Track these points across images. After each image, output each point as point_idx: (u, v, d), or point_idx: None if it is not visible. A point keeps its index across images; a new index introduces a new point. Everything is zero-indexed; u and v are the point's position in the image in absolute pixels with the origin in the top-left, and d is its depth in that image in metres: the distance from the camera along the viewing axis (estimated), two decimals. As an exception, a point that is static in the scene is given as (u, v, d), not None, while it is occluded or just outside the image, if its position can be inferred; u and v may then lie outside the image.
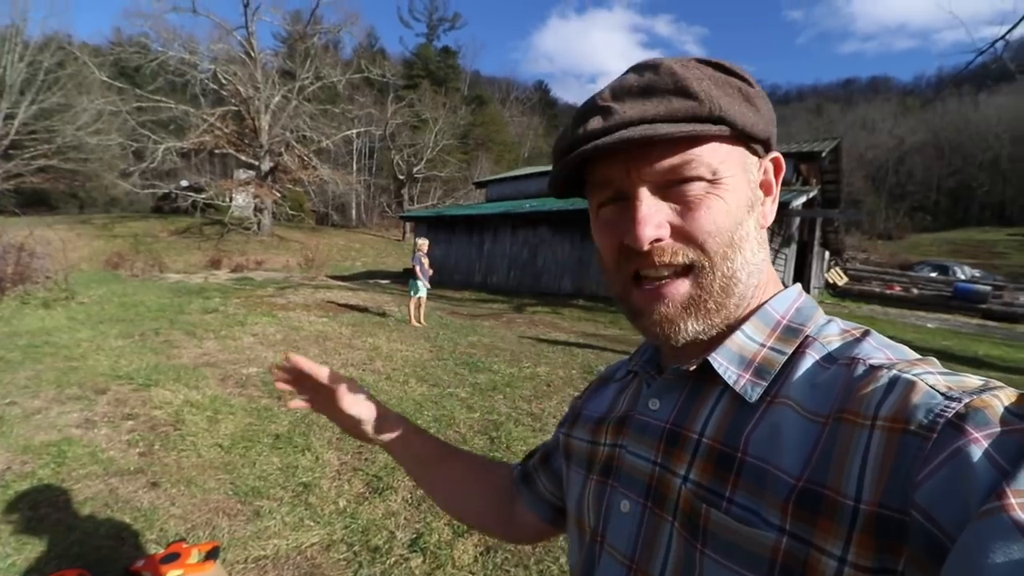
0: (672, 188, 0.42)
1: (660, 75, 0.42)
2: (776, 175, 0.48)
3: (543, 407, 4.12)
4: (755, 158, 0.46)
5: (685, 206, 0.42)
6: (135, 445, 3.04)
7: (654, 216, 0.42)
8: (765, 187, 0.48)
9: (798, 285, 0.51)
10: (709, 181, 0.42)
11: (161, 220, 26.32)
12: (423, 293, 7.59)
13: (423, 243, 8.05)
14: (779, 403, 0.41)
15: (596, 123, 0.42)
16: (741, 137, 0.43)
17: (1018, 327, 12.14)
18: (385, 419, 0.69)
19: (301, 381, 0.68)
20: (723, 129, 0.41)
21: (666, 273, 0.43)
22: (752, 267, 0.45)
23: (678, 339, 0.44)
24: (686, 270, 0.43)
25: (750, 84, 0.44)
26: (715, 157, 0.42)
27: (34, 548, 2.06)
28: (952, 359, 6.93)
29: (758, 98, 0.44)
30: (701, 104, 0.40)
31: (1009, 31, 8.51)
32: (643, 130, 0.39)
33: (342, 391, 0.66)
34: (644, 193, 0.42)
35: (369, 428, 0.68)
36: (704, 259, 0.42)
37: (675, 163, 0.41)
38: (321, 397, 0.68)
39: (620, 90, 0.43)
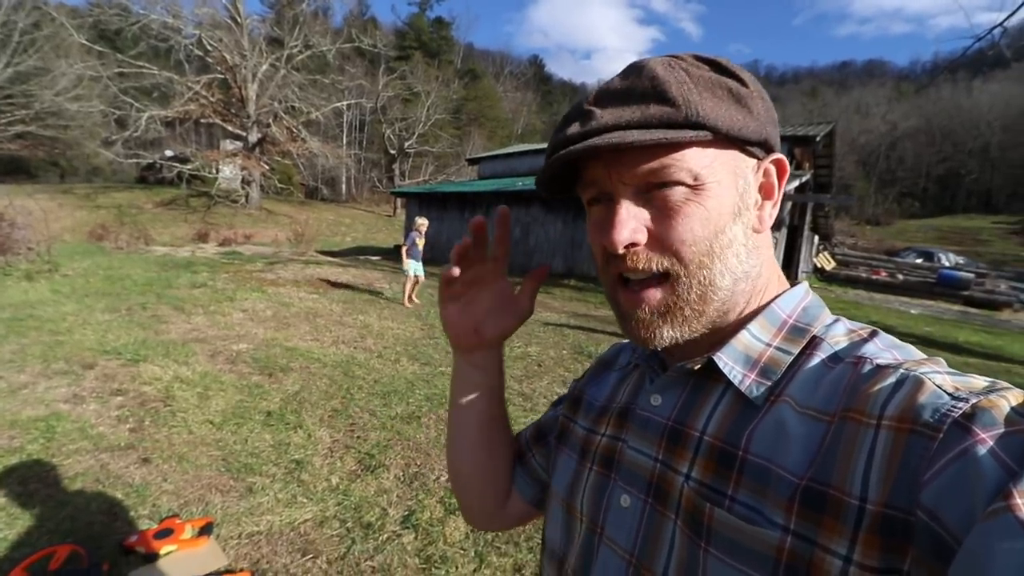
0: (653, 192, 0.42)
1: (641, 79, 0.42)
2: (779, 178, 0.47)
3: (534, 387, 4.17)
4: (751, 160, 0.45)
5: (663, 212, 0.42)
6: (125, 421, 3.03)
7: (630, 221, 0.42)
8: (766, 190, 0.47)
9: (805, 284, 0.51)
10: (690, 186, 0.41)
11: (146, 191, 25.70)
12: (419, 272, 7.43)
13: (422, 223, 7.58)
14: (783, 402, 0.41)
15: (575, 128, 0.42)
16: (730, 140, 0.42)
17: (998, 314, 12.42)
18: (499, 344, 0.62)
19: (480, 246, 0.57)
20: (703, 134, 0.40)
21: (644, 277, 0.44)
22: (739, 273, 0.44)
23: (654, 344, 0.45)
24: (663, 277, 0.43)
25: (743, 84, 0.43)
26: (698, 162, 0.41)
27: (25, 523, 2.06)
28: (933, 345, 7.09)
29: (752, 99, 0.43)
30: (678, 109, 0.40)
31: (1008, 17, 8.47)
32: (611, 137, 0.40)
33: (502, 282, 0.60)
34: (622, 197, 0.43)
35: (490, 335, 0.60)
36: (679, 268, 0.42)
37: (653, 168, 0.41)
38: (478, 276, 0.59)
39: (603, 94, 0.43)
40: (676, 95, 0.40)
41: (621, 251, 0.43)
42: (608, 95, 0.43)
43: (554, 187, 0.48)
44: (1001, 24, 8.56)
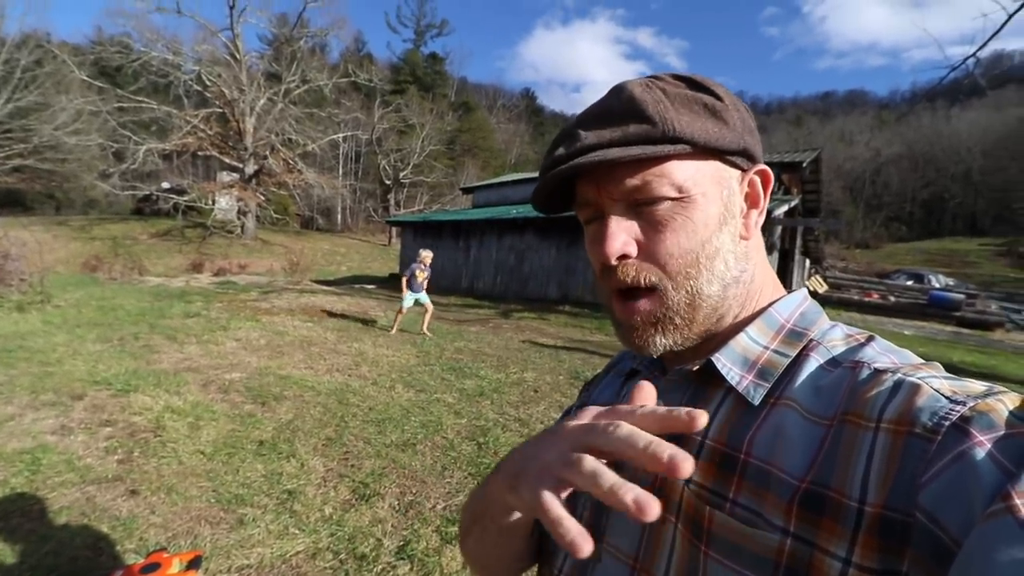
0: (641, 207, 0.44)
1: (620, 100, 0.44)
2: (764, 187, 0.49)
3: (530, 412, 4.12)
4: (734, 171, 0.47)
5: (651, 225, 0.44)
6: (113, 452, 2.96)
7: (620, 234, 0.44)
8: (751, 199, 0.49)
9: (803, 290, 0.52)
10: (675, 199, 0.43)
11: (141, 222, 25.76)
12: (408, 305, 7.31)
13: (426, 255, 7.46)
14: (782, 405, 0.41)
15: (562, 150, 0.45)
16: (710, 152, 0.44)
17: (990, 334, 12.50)
18: None
19: None
20: (682, 148, 0.42)
21: (634, 288, 0.46)
22: (728, 279, 0.46)
23: (649, 351, 0.47)
24: (652, 289, 0.45)
25: (718, 98, 0.45)
26: (681, 174, 0.43)
27: (6, 559, 1.99)
28: (928, 365, 7.08)
29: (727, 111, 0.45)
30: (655, 126, 0.42)
31: (979, 49, 8.80)
32: (594, 156, 0.42)
33: None
34: (612, 213, 0.45)
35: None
36: (666, 280, 0.44)
37: (637, 184, 0.43)
38: None
39: (586, 116, 0.46)
40: (653, 113, 0.42)
41: (614, 263, 0.44)
42: (591, 117, 0.45)
43: (551, 206, 0.51)
44: (974, 55, 8.91)
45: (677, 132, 0.42)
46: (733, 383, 0.44)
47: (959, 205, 50.57)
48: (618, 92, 0.45)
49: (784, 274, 14.46)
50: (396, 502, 2.62)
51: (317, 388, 4.39)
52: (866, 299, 16.61)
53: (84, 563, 2.01)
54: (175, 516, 2.38)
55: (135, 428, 3.30)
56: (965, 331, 12.77)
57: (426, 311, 7.48)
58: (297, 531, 2.31)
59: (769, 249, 12.43)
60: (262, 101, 25.17)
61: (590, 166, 0.42)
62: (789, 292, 0.51)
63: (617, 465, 0.51)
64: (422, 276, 7.34)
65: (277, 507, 2.51)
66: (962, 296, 15.56)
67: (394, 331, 7.30)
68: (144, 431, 3.26)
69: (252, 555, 2.13)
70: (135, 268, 14.65)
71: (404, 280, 7.41)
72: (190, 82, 24.24)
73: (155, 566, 1.91)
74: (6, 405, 3.49)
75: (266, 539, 2.24)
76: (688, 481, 0.43)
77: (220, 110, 24.72)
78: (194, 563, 1.96)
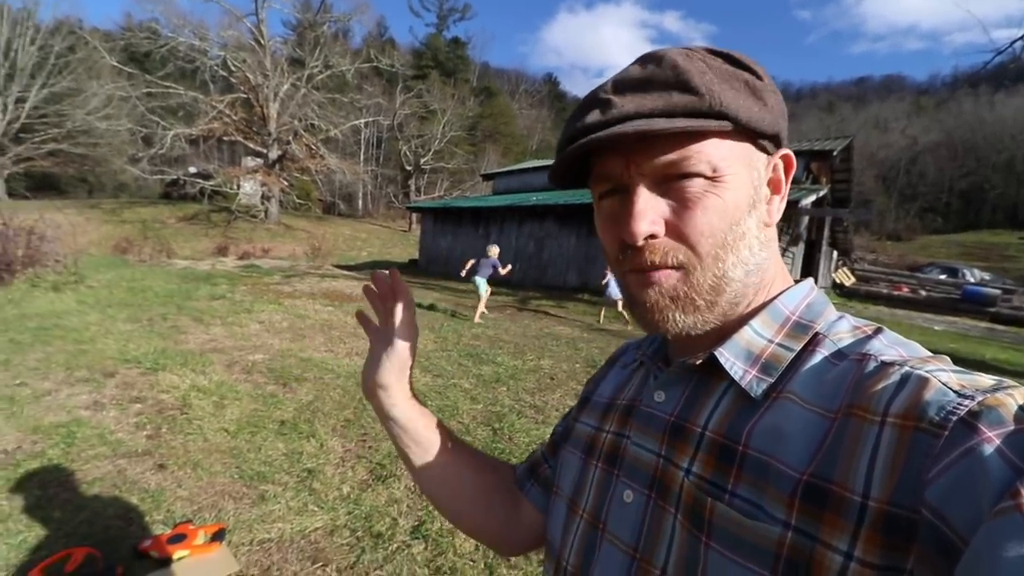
0: (671, 183, 0.42)
1: (662, 68, 0.41)
2: (787, 172, 0.47)
3: (546, 400, 4.14)
4: (763, 154, 0.45)
5: (682, 203, 0.42)
6: (143, 428, 3.08)
7: (649, 212, 0.42)
8: (774, 184, 0.47)
9: (810, 280, 0.50)
10: (709, 178, 0.41)
11: (169, 206, 26.44)
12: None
13: (494, 249, 8.35)
14: (784, 398, 0.40)
15: (595, 116, 0.42)
16: (746, 132, 0.42)
17: (1027, 331, 12.02)
18: (404, 392, 0.62)
19: (385, 299, 0.61)
20: (725, 124, 0.40)
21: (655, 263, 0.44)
22: (751, 265, 0.44)
23: (667, 329, 0.44)
24: (678, 267, 0.43)
25: (759, 77, 0.43)
26: (717, 153, 0.41)
27: (43, 526, 2.10)
28: (959, 362, 6.76)
29: (767, 92, 0.43)
30: (702, 99, 0.40)
31: (1029, 30, 8.36)
32: (637, 125, 0.39)
33: (401, 341, 0.60)
34: (641, 188, 0.42)
35: (390, 392, 0.60)
36: (695, 260, 0.42)
37: (673, 159, 0.41)
38: (384, 331, 0.61)
39: (621, 83, 0.43)
40: (699, 84, 0.40)
41: (640, 243, 0.42)
42: (628, 83, 0.42)
43: (569, 179, 0.48)
44: (1021, 37, 8.46)
45: (723, 107, 0.40)
46: (736, 378, 0.43)
47: (1000, 196, 48.37)
48: (657, 59, 0.42)
49: (810, 266, 14.12)
50: (411, 483, 2.67)
51: (337, 371, 4.48)
52: (895, 293, 16.12)
53: (116, 532, 2.10)
54: (200, 490, 2.46)
55: (163, 405, 3.42)
56: (1000, 327, 12.32)
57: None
58: (316, 508, 2.38)
59: (795, 240, 12.13)
60: (286, 86, 25.43)
61: (632, 136, 0.39)
62: (796, 283, 0.49)
63: (612, 459, 0.51)
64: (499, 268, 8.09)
65: (297, 485, 2.58)
66: (998, 291, 14.94)
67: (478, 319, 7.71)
68: (171, 408, 3.38)
69: (273, 530, 2.20)
70: (163, 251, 15.09)
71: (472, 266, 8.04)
72: (216, 67, 24.63)
73: (182, 537, 1.99)
74: (43, 380, 3.65)
75: (286, 515, 2.31)
76: (688, 472, 0.43)
77: (245, 95, 25.07)
78: (218, 535, 2.05)
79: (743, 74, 0.43)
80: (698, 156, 0.41)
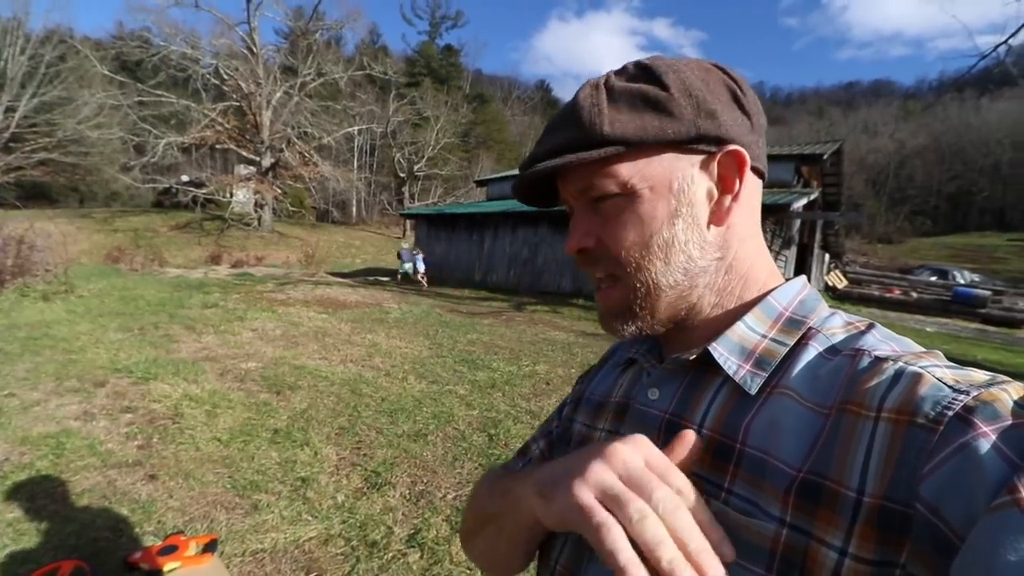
0: (599, 203, 0.46)
1: (567, 106, 0.46)
2: (739, 168, 0.45)
3: (542, 405, 4.12)
4: (694, 157, 0.44)
5: (605, 220, 0.46)
6: (133, 438, 3.04)
7: (579, 229, 0.47)
8: (724, 183, 0.45)
9: (802, 277, 0.50)
10: (624, 195, 0.44)
11: (161, 215, 26.25)
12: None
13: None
14: (780, 393, 0.40)
15: (534, 150, 0.48)
16: (654, 146, 0.43)
17: (1017, 332, 12.16)
18: None
19: None
20: (615, 149, 0.43)
21: (601, 277, 0.49)
22: (693, 269, 0.45)
23: (620, 335, 0.49)
24: (614, 278, 0.47)
25: (663, 88, 0.43)
26: (625, 172, 0.44)
27: (31, 538, 2.06)
28: (952, 363, 6.92)
29: (673, 101, 0.43)
30: (588, 131, 0.43)
31: (1011, 36, 8.48)
32: (548, 163, 0.44)
33: None
34: (577, 209, 0.48)
35: None
36: (620, 270, 0.46)
37: (583, 186, 0.46)
38: None
39: (549, 122, 0.49)
40: (585, 119, 0.43)
41: (574, 255, 0.48)
42: (550, 124, 0.48)
43: (535, 202, 0.54)
44: (1005, 42, 8.59)
45: (606, 135, 0.43)
46: (730, 372, 0.43)
47: (987, 199, 49.06)
48: (573, 96, 0.47)
49: (803, 269, 14.21)
50: (407, 491, 2.65)
51: (331, 378, 4.44)
52: (887, 295, 16.27)
53: (105, 544, 2.07)
54: (192, 501, 2.43)
55: (154, 415, 3.38)
56: (991, 328, 12.45)
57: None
58: (310, 517, 2.35)
59: (787, 243, 12.20)
60: (278, 94, 25.40)
61: (542, 173, 0.44)
62: (788, 280, 0.49)
63: None
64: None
65: (291, 494, 2.55)
66: (988, 292, 15.12)
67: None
68: (163, 418, 3.34)
69: (266, 540, 2.17)
70: (155, 259, 14.96)
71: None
72: (208, 76, 24.53)
73: (172, 548, 1.95)
74: (32, 391, 3.60)
75: (280, 524, 2.28)
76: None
77: (237, 104, 25.00)
78: (210, 546, 2.01)
79: (648, 89, 0.43)
80: (605, 179, 0.44)
